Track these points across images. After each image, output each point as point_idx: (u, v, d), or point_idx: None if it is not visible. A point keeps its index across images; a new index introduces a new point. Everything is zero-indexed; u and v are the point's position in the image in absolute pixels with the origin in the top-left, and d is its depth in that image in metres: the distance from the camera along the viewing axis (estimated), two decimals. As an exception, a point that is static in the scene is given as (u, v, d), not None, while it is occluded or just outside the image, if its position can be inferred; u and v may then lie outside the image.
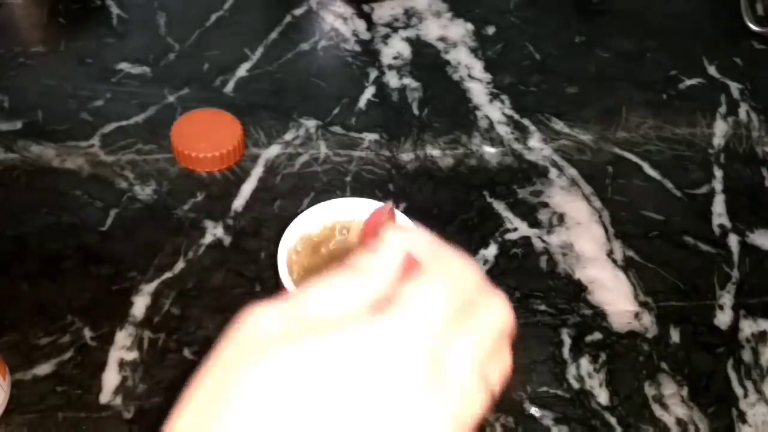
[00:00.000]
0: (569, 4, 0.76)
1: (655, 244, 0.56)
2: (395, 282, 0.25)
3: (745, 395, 0.49)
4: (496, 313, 0.25)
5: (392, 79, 0.66)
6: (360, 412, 0.21)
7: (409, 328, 0.23)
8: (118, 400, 0.45)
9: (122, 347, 0.47)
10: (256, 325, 0.24)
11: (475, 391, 0.24)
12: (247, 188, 0.57)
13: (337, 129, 0.61)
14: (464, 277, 0.25)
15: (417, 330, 0.23)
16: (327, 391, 0.22)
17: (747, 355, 0.50)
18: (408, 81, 0.66)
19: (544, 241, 0.56)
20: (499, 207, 0.57)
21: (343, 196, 0.55)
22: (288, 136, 0.61)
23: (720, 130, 0.65)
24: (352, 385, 0.22)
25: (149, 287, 0.50)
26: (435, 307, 0.23)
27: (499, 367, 0.26)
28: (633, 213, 0.58)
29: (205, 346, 0.48)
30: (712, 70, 0.70)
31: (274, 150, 0.59)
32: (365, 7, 0.72)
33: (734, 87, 0.68)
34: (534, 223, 0.57)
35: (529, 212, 0.57)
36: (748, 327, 0.52)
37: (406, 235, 0.26)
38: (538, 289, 0.53)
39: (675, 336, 0.51)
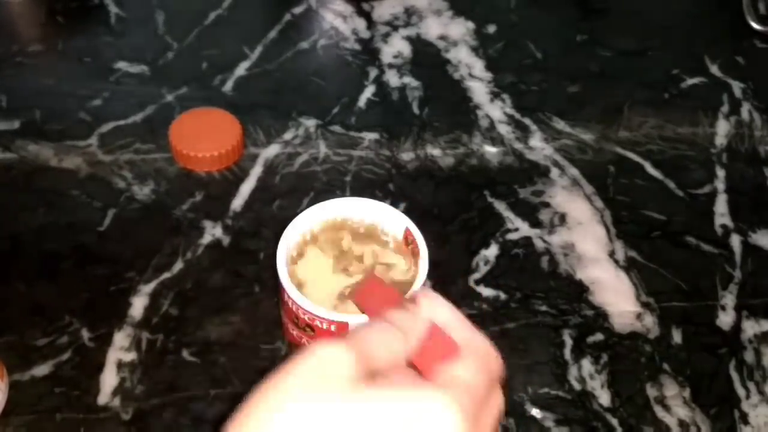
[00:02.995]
0: (570, 3, 0.75)
1: (657, 245, 0.56)
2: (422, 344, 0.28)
3: (748, 396, 0.48)
4: (501, 400, 0.29)
5: (392, 78, 0.66)
6: None
7: (461, 402, 0.25)
8: (117, 401, 0.45)
9: (120, 348, 0.47)
10: (332, 362, 0.25)
11: None
12: (246, 188, 0.56)
13: (337, 128, 0.61)
14: (492, 360, 0.29)
15: (466, 405, 0.26)
16: None
17: (749, 356, 0.50)
18: (408, 80, 0.66)
19: (545, 242, 0.55)
20: (500, 207, 0.57)
21: (343, 195, 0.55)
22: (287, 136, 0.60)
23: (722, 129, 0.64)
24: None
25: (147, 288, 0.50)
26: (477, 389, 0.27)
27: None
28: (635, 213, 0.58)
29: (204, 347, 0.48)
30: (714, 69, 0.70)
31: (273, 149, 0.59)
32: (365, 6, 0.72)
33: (736, 86, 0.68)
34: (535, 223, 0.56)
35: (530, 212, 0.57)
36: (751, 328, 0.52)
37: (439, 306, 0.30)
38: (539, 290, 0.52)
39: (677, 337, 0.51)
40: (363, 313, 0.39)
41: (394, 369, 0.27)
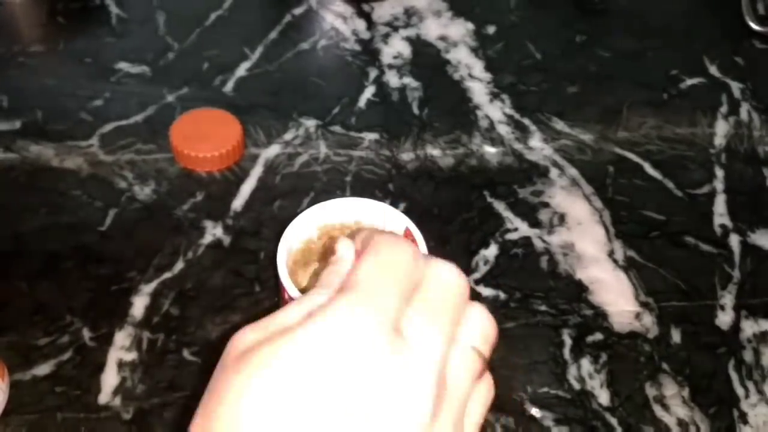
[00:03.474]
0: (570, 3, 0.75)
1: (656, 245, 0.56)
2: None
3: (747, 396, 0.48)
4: (441, 275, 0.27)
5: (392, 79, 0.66)
6: (336, 397, 0.23)
7: (361, 304, 0.25)
8: (117, 401, 0.45)
9: (121, 348, 0.47)
10: (239, 340, 0.26)
11: (432, 341, 0.25)
12: (247, 188, 0.57)
13: (337, 128, 0.61)
14: (404, 259, 0.27)
15: (369, 304, 0.25)
16: (321, 392, 0.23)
17: (748, 356, 0.50)
18: (408, 80, 0.66)
19: (544, 241, 0.55)
20: (500, 207, 0.57)
21: (343, 196, 0.55)
22: (288, 136, 0.60)
23: (721, 129, 0.65)
24: (323, 374, 0.23)
25: (148, 287, 0.50)
26: (381, 283, 0.26)
27: (456, 313, 0.27)
28: (634, 213, 0.58)
29: (204, 347, 0.48)
30: (713, 70, 0.70)
31: (273, 150, 0.59)
32: (365, 7, 0.72)
33: (735, 86, 0.68)
34: (535, 223, 0.56)
35: (529, 212, 0.57)
36: (750, 327, 0.52)
37: (356, 240, 0.29)
38: (538, 290, 0.53)
39: (676, 336, 0.51)
40: None
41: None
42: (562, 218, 0.57)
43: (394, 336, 0.24)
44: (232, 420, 0.23)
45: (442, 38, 0.70)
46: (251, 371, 0.24)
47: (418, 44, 0.69)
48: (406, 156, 0.60)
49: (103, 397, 0.45)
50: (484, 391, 0.28)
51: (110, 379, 0.46)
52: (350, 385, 0.23)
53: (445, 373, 0.25)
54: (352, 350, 0.24)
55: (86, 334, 0.48)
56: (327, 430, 0.22)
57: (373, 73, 0.66)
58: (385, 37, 0.70)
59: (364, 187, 0.57)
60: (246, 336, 0.25)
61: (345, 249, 0.29)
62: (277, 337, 0.24)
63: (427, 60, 0.68)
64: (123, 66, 0.64)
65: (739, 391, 0.49)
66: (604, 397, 0.48)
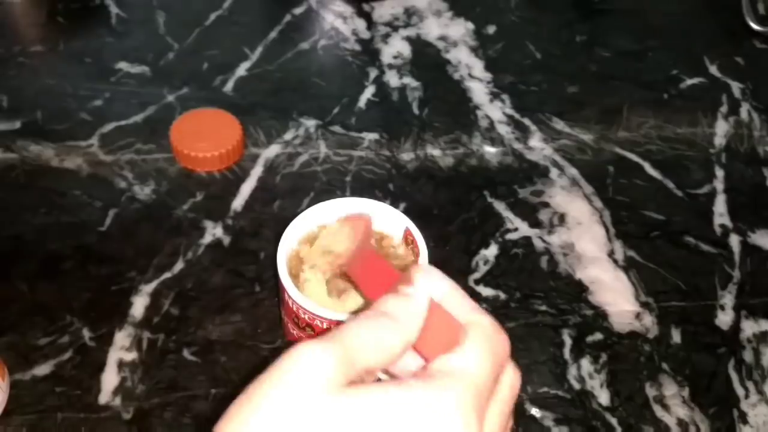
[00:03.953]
0: (570, 4, 0.75)
1: (656, 245, 0.56)
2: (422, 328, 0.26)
3: (747, 396, 0.48)
4: (513, 379, 0.27)
5: (392, 79, 0.66)
6: None
7: (466, 399, 0.24)
8: (117, 401, 0.45)
9: (121, 348, 0.47)
10: (310, 366, 0.24)
11: None
12: (247, 188, 0.57)
13: (337, 128, 0.61)
14: (499, 342, 0.26)
15: (474, 401, 0.24)
16: None
17: (748, 356, 0.50)
18: (408, 80, 0.66)
19: (544, 241, 0.55)
20: (500, 207, 0.57)
21: (343, 196, 0.55)
22: (288, 136, 0.60)
23: (721, 129, 0.65)
24: None
25: (148, 287, 0.50)
26: (485, 379, 0.25)
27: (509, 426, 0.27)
28: (634, 213, 0.58)
29: (204, 347, 0.48)
30: (713, 70, 0.70)
31: (273, 150, 0.59)
32: (365, 6, 0.72)
33: (735, 86, 0.68)
34: (535, 223, 0.56)
35: (529, 212, 0.57)
36: (750, 327, 0.52)
37: (436, 282, 0.27)
38: (538, 290, 0.53)
39: (676, 336, 0.51)
40: (356, 288, 0.38)
41: (392, 364, 0.25)
42: (562, 218, 0.57)
43: None
44: None
45: (442, 38, 0.70)
46: (345, 408, 0.23)
47: (419, 44, 0.69)
48: (406, 156, 0.60)
49: (103, 397, 0.45)
50: None
51: (110, 379, 0.46)
52: None
53: None
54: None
55: (86, 334, 0.48)
56: None
57: (373, 73, 0.66)
58: (385, 37, 0.70)
59: (364, 187, 0.57)
60: (321, 358, 0.24)
61: (424, 287, 0.27)
62: (370, 383, 0.24)
63: (427, 60, 0.68)
64: (123, 66, 0.64)
65: (739, 391, 0.49)
66: (604, 397, 0.48)
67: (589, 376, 0.49)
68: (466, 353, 0.25)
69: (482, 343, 0.26)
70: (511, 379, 0.27)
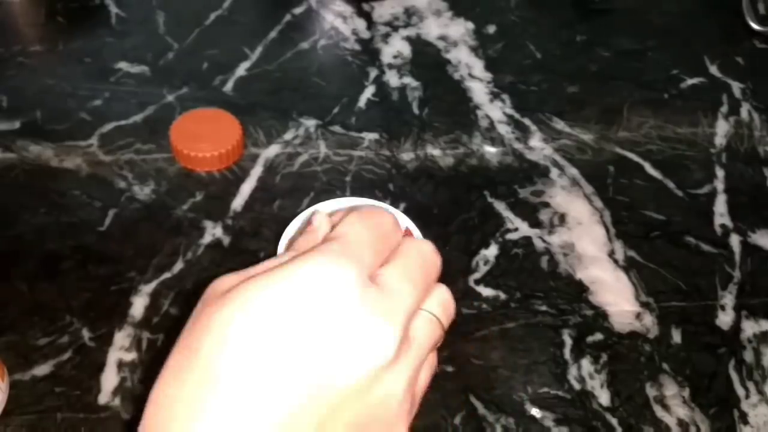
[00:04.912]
0: (570, 3, 0.75)
1: (657, 245, 0.56)
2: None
3: (747, 396, 0.48)
4: (420, 246, 0.31)
5: (392, 79, 0.66)
6: (312, 328, 0.25)
7: (341, 252, 0.27)
8: (117, 401, 0.45)
9: (121, 348, 0.47)
10: (218, 283, 0.28)
11: (405, 295, 0.28)
12: (247, 188, 0.57)
13: (337, 128, 0.61)
14: (375, 215, 0.31)
15: (349, 253, 0.27)
16: (282, 314, 0.25)
17: (749, 356, 0.50)
18: (408, 80, 0.66)
19: (545, 242, 0.55)
20: (500, 207, 0.57)
21: (343, 195, 0.55)
22: (287, 136, 0.60)
23: (722, 129, 0.65)
24: (302, 308, 0.26)
25: (148, 287, 0.50)
26: (357, 238, 0.28)
27: (428, 281, 0.30)
28: (634, 213, 0.58)
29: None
30: (713, 70, 0.70)
31: (273, 150, 0.59)
32: (365, 6, 0.72)
33: (736, 86, 0.68)
34: (535, 223, 0.56)
35: (530, 212, 0.57)
36: (750, 327, 0.52)
37: (331, 216, 0.32)
38: (539, 290, 0.53)
39: (676, 336, 0.51)
40: None
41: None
42: (562, 218, 0.57)
43: (369, 284, 0.27)
44: (216, 350, 0.25)
45: (442, 38, 0.70)
46: (236, 305, 0.26)
47: (418, 44, 0.69)
48: (406, 156, 0.60)
49: (103, 397, 0.45)
50: (433, 363, 0.31)
51: (110, 379, 0.46)
52: (323, 323, 0.25)
53: (410, 328, 0.28)
54: (328, 292, 0.26)
55: (86, 334, 0.48)
56: (298, 362, 0.25)
57: (373, 73, 0.66)
58: (385, 37, 0.70)
59: (364, 187, 0.57)
60: (225, 280, 0.28)
61: (320, 220, 0.31)
62: (259, 276, 0.27)
63: (427, 60, 0.68)
64: (122, 65, 0.64)
65: (740, 391, 0.49)
66: (604, 397, 0.48)
67: (589, 376, 0.49)
68: (338, 228, 0.29)
69: (355, 218, 0.30)
70: (415, 247, 0.31)
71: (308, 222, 0.33)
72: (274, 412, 0.24)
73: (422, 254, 0.30)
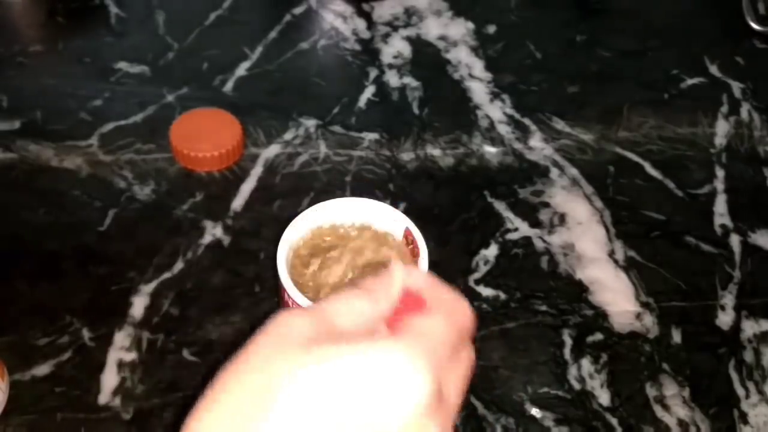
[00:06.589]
0: (570, 3, 0.75)
1: (657, 245, 0.56)
2: (395, 307, 0.28)
3: (747, 396, 0.48)
4: (471, 355, 0.29)
5: (392, 79, 0.66)
6: (371, 423, 0.24)
7: (422, 353, 0.25)
8: (117, 401, 0.45)
9: (121, 348, 0.47)
10: (289, 327, 0.26)
11: (453, 415, 0.27)
12: (247, 188, 0.57)
13: (337, 128, 0.61)
14: (461, 314, 0.29)
15: (429, 356, 0.25)
16: (343, 398, 0.24)
17: (749, 356, 0.50)
18: (408, 80, 0.66)
19: (545, 241, 0.55)
20: (500, 207, 0.57)
21: (343, 195, 0.55)
22: (287, 136, 0.60)
23: (722, 129, 0.65)
24: (365, 396, 0.24)
25: (148, 287, 0.50)
26: (443, 341, 0.27)
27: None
28: (634, 213, 0.58)
29: (204, 347, 0.48)
30: (713, 70, 0.70)
31: (273, 150, 0.59)
32: (365, 6, 0.72)
33: (736, 86, 0.68)
34: (535, 223, 0.56)
35: (529, 212, 0.57)
36: (750, 327, 0.52)
37: (408, 269, 0.30)
38: (539, 290, 0.53)
39: (676, 336, 0.51)
40: None
41: (365, 331, 0.27)
42: (562, 218, 0.57)
43: (438, 401, 0.25)
44: (292, 404, 0.23)
45: (442, 38, 0.70)
46: (317, 360, 0.24)
47: (418, 44, 0.69)
48: (406, 156, 0.60)
49: (103, 397, 0.45)
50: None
51: (110, 379, 0.46)
52: (386, 423, 0.24)
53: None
54: (401, 394, 0.24)
55: (86, 334, 0.48)
56: None
57: (373, 73, 0.66)
58: (385, 37, 0.70)
59: (364, 187, 0.57)
60: (298, 321, 0.26)
61: (398, 274, 0.29)
62: (341, 340, 0.25)
63: (427, 60, 0.68)
64: (122, 66, 0.64)
65: (740, 391, 0.49)
66: (604, 397, 0.48)
67: (589, 376, 0.49)
68: (432, 317, 0.27)
69: (446, 311, 0.28)
70: (469, 354, 0.29)
71: (383, 264, 0.31)
72: None
73: (471, 367, 0.29)
